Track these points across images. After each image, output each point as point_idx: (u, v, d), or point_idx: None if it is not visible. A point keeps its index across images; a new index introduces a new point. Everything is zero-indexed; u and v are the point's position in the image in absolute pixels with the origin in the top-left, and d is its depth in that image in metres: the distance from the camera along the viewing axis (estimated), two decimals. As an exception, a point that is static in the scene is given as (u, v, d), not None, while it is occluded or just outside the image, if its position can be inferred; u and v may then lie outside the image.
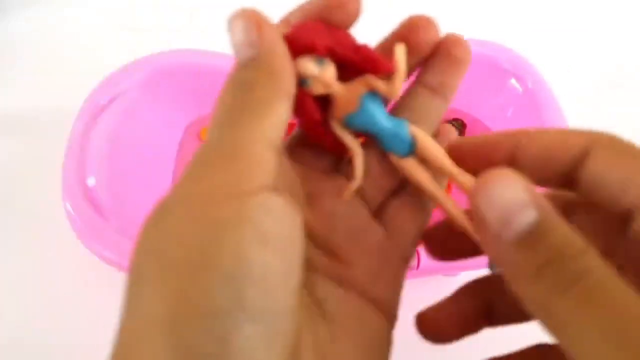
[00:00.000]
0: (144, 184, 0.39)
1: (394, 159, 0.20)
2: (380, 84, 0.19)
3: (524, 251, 0.14)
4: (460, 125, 0.40)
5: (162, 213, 0.15)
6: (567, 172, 0.16)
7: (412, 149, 0.20)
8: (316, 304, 0.18)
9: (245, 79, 0.17)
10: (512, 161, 0.17)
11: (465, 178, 0.19)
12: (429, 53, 0.20)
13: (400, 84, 0.19)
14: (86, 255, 0.33)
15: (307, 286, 0.18)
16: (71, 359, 0.37)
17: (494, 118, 0.40)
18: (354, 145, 0.20)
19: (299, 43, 0.18)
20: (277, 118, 0.16)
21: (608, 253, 0.14)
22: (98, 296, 0.36)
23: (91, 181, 0.35)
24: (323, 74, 0.19)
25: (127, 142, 0.38)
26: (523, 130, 0.18)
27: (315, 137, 0.20)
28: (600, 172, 0.15)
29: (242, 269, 0.14)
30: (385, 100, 0.20)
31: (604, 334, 0.12)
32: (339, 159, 0.21)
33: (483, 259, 0.31)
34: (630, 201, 0.15)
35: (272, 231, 0.15)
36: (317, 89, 0.19)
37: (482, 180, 0.14)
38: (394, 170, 0.20)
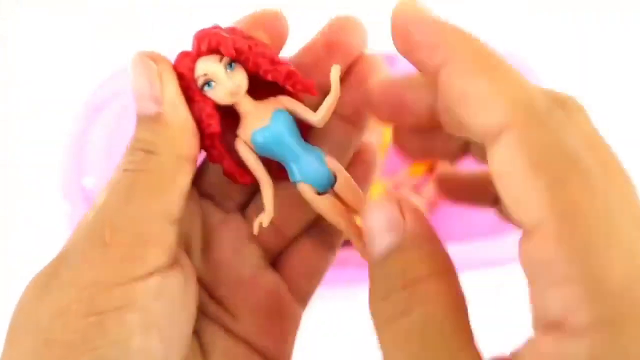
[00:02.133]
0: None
1: (307, 193, 0.17)
2: (299, 108, 0.17)
3: (378, 271, 0.14)
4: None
5: (50, 285, 0.15)
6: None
7: (330, 185, 0.17)
8: (202, 349, 0.18)
9: (146, 142, 0.16)
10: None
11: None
12: (351, 62, 0.18)
13: (329, 111, 0.17)
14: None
15: (195, 329, 0.17)
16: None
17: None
18: (260, 170, 0.17)
19: (206, 42, 0.16)
20: (179, 191, 0.15)
21: None
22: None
23: (91, 181, 0.35)
24: (231, 78, 0.16)
25: (126, 142, 0.38)
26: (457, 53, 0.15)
27: (211, 155, 0.17)
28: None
29: (120, 356, 0.13)
30: (300, 127, 0.17)
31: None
32: (252, 191, 0.19)
33: (483, 259, 0.31)
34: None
35: (159, 315, 0.15)
36: (222, 97, 0.16)
37: (365, 207, 0.15)
38: (300, 205, 0.18)
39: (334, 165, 0.17)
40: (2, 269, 0.40)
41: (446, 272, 0.14)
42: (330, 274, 0.28)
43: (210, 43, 0.16)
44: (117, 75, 0.36)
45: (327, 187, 0.17)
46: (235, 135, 0.17)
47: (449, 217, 0.39)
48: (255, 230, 0.17)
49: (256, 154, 0.17)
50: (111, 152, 0.36)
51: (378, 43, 0.42)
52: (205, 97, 0.16)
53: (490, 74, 0.14)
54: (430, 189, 0.38)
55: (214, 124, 0.16)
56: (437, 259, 0.14)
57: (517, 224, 0.13)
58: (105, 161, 0.36)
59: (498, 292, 0.41)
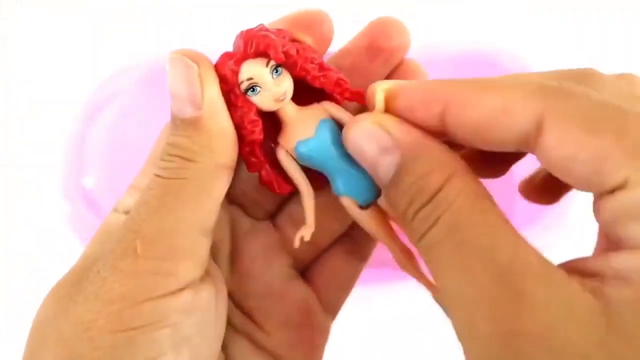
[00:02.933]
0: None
1: (351, 207, 0.16)
2: (346, 116, 0.16)
3: (396, 198, 0.13)
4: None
5: (74, 298, 0.14)
6: (513, 147, 0.14)
7: (375, 198, 0.16)
8: None
9: (182, 148, 0.14)
10: (442, 126, 0.14)
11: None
12: (396, 64, 0.17)
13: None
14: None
15: (223, 341, 0.17)
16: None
17: (494, 118, 0.41)
18: (302, 181, 0.16)
19: (253, 44, 0.15)
20: (215, 202, 0.15)
21: None
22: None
23: (91, 181, 0.35)
24: (278, 84, 0.15)
25: (126, 142, 0.38)
26: (456, 91, 0.14)
27: (250, 163, 0.16)
28: (553, 150, 0.13)
29: None
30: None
31: (455, 267, 0.12)
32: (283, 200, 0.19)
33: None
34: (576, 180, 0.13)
35: (191, 332, 0.14)
36: (267, 103, 0.15)
37: (347, 128, 0.14)
38: (335, 215, 0.17)
39: None
40: (2, 269, 0.40)
41: (455, 168, 0.13)
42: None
43: (258, 45, 0.15)
44: (117, 75, 0.36)
45: (371, 200, 0.16)
46: (273, 142, 0.16)
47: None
48: (297, 244, 0.16)
49: (298, 163, 0.16)
50: (111, 152, 0.36)
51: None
52: (248, 102, 0.15)
53: None
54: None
55: (257, 131, 0.15)
56: (441, 160, 0.13)
57: (592, 189, 0.12)
58: (105, 161, 0.36)
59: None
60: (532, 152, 0.13)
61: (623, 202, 0.12)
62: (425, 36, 0.38)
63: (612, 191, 0.12)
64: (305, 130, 0.15)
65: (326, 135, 0.15)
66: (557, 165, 0.13)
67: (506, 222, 0.13)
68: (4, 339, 0.37)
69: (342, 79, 0.16)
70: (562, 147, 0.12)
